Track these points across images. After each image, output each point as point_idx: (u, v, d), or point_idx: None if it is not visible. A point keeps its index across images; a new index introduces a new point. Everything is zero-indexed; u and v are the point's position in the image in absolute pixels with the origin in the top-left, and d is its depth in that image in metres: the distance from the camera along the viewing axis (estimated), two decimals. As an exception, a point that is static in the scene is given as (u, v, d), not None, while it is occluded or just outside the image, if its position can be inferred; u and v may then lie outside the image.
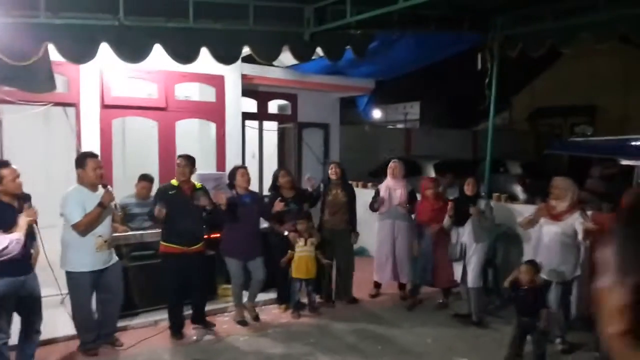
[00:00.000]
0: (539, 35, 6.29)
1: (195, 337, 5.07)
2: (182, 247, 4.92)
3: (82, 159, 4.53)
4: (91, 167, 4.46)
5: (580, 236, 4.64)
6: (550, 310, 4.48)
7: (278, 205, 5.47)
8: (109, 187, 4.62)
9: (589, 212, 4.94)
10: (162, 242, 5.02)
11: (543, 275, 4.78)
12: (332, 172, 6.08)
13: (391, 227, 6.21)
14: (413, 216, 6.21)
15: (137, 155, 7.60)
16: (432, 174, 10.55)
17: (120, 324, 5.01)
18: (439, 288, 6.08)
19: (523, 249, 5.95)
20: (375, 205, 6.20)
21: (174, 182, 5.04)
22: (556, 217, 4.78)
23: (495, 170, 8.32)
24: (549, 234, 4.79)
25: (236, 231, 5.32)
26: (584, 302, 5.22)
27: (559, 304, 4.80)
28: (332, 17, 5.45)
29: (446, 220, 5.60)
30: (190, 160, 5.05)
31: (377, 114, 20.26)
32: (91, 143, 6.11)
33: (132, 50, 4.62)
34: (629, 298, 0.60)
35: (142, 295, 5.39)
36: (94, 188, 4.50)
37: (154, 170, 6.48)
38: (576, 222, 4.66)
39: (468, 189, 5.55)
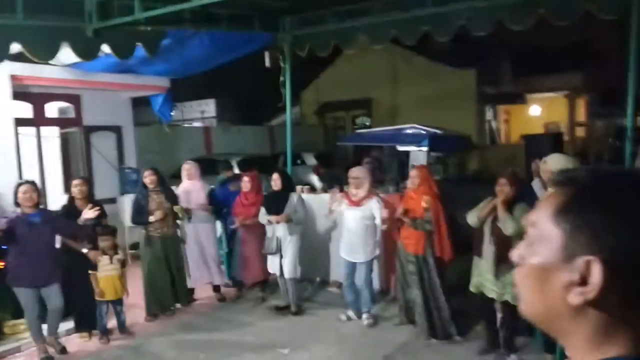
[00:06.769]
0: (324, 36, 6.76)
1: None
2: None
3: None
4: None
5: (378, 220, 5.16)
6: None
7: (88, 213, 4.76)
8: None
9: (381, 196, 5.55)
10: None
11: (346, 257, 5.21)
12: (149, 181, 5.71)
13: (194, 230, 6.10)
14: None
15: None
16: (237, 171, 10.60)
17: None
18: (254, 281, 6.17)
19: (331, 236, 6.35)
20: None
21: None
22: (357, 203, 5.23)
23: (293, 163, 8.76)
24: (354, 219, 5.22)
25: (25, 255, 4.57)
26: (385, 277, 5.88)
27: (365, 281, 5.27)
28: (118, 12, 5.03)
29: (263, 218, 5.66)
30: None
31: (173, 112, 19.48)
32: None
33: None
34: (602, 273, 0.65)
35: None
36: None
37: None
38: (374, 206, 5.17)
39: (275, 184, 5.70)
